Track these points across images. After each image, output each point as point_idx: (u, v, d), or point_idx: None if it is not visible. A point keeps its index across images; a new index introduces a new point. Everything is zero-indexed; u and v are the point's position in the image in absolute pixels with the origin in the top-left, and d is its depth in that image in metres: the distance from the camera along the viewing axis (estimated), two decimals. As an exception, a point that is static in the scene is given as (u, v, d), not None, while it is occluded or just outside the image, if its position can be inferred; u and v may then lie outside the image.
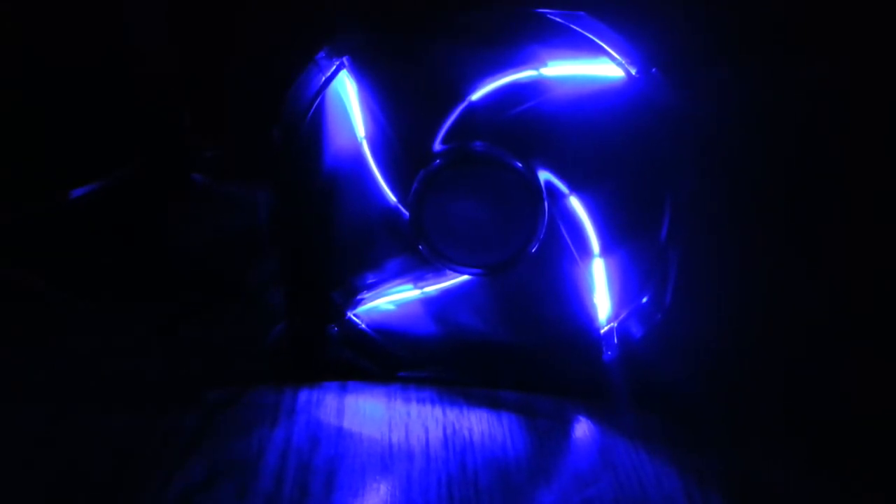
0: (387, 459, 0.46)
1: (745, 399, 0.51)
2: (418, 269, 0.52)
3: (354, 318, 0.54)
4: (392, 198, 0.52)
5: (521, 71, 0.48)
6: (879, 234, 0.54)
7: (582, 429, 0.49)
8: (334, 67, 0.49)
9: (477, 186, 0.48)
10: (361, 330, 0.53)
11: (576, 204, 0.51)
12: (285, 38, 0.50)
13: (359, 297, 0.54)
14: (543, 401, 0.51)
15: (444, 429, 0.49)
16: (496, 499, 0.43)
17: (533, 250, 0.50)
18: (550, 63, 0.48)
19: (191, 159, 0.65)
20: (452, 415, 0.50)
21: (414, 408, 0.51)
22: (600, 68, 0.48)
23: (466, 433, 0.48)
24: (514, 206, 0.49)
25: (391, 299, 0.54)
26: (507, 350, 0.53)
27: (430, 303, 0.53)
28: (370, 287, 0.54)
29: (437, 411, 0.50)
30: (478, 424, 0.49)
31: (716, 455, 0.46)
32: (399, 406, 0.51)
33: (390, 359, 0.53)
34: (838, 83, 0.49)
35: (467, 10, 0.48)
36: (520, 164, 0.48)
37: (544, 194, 0.49)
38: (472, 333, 0.53)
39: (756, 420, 0.49)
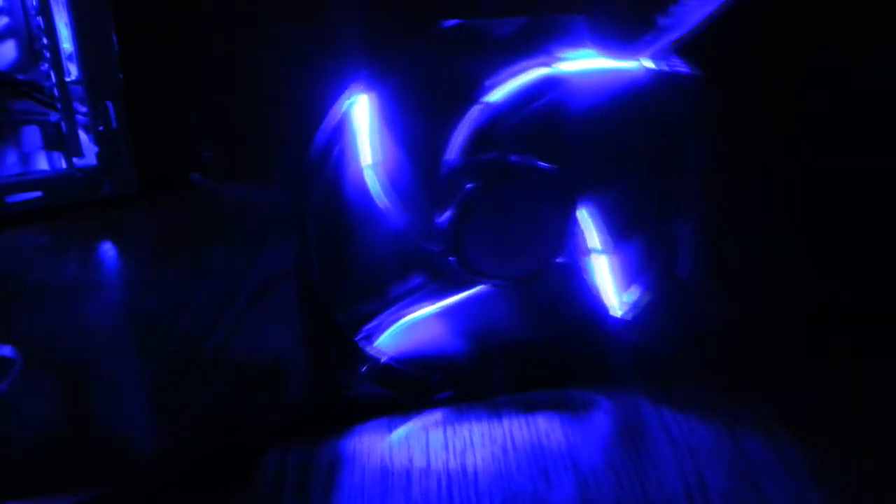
0: (387, 460, 0.46)
1: (746, 399, 0.51)
2: (431, 285, 0.51)
3: (377, 354, 0.51)
4: (398, 220, 0.50)
5: (534, 68, 0.48)
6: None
7: (583, 430, 0.49)
8: (351, 93, 0.48)
9: (516, 199, 0.47)
10: (386, 364, 0.51)
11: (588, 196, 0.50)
12: (300, 59, 0.50)
13: (376, 328, 0.51)
14: (543, 401, 0.51)
15: (445, 429, 0.49)
16: (496, 500, 0.43)
17: (562, 256, 0.49)
18: (564, 59, 0.48)
19: (191, 159, 0.65)
20: (453, 415, 0.50)
21: (414, 408, 0.51)
22: (615, 61, 0.48)
23: (466, 433, 0.48)
24: (548, 215, 0.48)
25: (409, 319, 0.51)
26: (530, 349, 0.53)
27: (447, 318, 0.52)
28: (387, 315, 0.52)
29: (437, 411, 0.50)
30: (478, 425, 0.49)
31: (717, 456, 0.46)
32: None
33: (419, 385, 0.52)
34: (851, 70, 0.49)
35: (479, 17, 0.48)
36: (554, 172, 0.47)
37: (577, 201, 0.48)
38: (493, 340, 0.52)
39: (756, 420, 0.49)
